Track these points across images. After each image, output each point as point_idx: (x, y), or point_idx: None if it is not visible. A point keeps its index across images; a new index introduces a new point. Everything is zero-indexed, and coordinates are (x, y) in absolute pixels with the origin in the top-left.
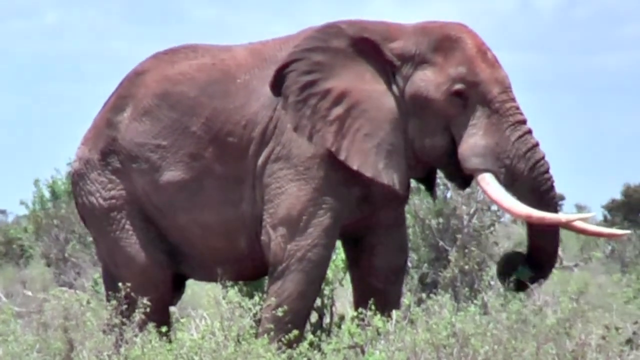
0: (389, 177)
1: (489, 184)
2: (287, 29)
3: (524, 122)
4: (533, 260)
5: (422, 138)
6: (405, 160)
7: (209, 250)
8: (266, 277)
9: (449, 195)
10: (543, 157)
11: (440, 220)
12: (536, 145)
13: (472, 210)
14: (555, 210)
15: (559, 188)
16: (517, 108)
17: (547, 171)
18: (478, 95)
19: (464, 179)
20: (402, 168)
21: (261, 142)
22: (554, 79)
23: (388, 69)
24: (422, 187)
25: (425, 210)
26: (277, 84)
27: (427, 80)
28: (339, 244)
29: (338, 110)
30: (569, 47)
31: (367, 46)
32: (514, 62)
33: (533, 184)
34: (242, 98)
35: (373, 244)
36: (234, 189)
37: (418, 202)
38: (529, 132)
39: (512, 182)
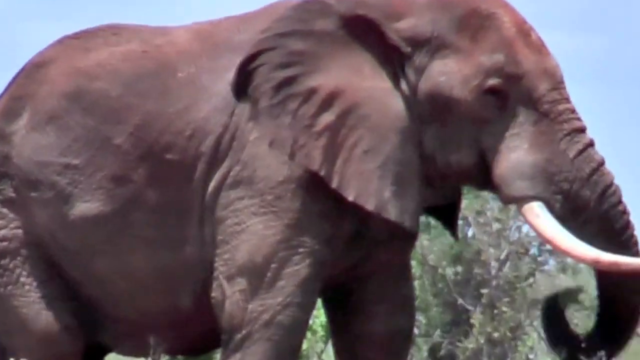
0: (398, 211)
1: (539, 216)
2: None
3: (582, 130)
4: (603, 324)
5: (444, 153)
6: (421, 185)
7: (138, 310)
8: (218, 350)
9: (470, 232)
10: (613, 181)
11: (459, 268)
12: (602, 163)
13: (503, 255)
14: (636, 253)
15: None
16: (573, 111)
17: (620, 201)
18: (521, 93)
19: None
20: (416, 196)
21: (213, 160)
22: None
23: (394, 59)
24: (434, 220)
25: (437, 255)
26: (242, 83)
27: (450, 73)
28: (319, 303)
29: (327, 118)
30: None
31: (364, 27)
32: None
33: (603, 219)
34: (185, 98)
35: (367, 301)
36: (174, 225)
37: (427, 243)
38: (591, 144)
39: (571, 215)
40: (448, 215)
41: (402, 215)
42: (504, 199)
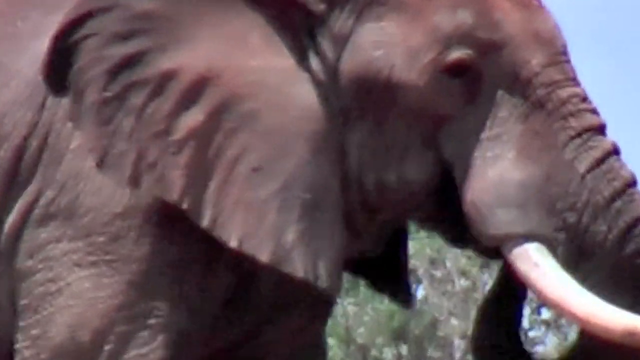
0: (308, 263)
1: (539, 265)
2: None
3: (599, 128)
4: None
5: (378, 168)
6: (343, 219)
7: None
8: None
9: (420, 293)
10: None
11: (403, 349)
12: (632, 183)
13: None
14: None
15: None
16: (584, 98)
17: None
18: (501, 71)
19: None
20: (335, 240)
21: (10, 180)
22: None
23: (300, 22)
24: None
25: (369, 328)
26: (58, 63)
27: (389, 44)
28: None
29: (192, 118)
30: None
31: None
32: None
33: (621, 268)
34: None
35: None
36: None
37: (354, 310)
38: (614, 151)
39: (576, 259)
40: (388, 270)
41: (315, 270)
42: (481, 239)
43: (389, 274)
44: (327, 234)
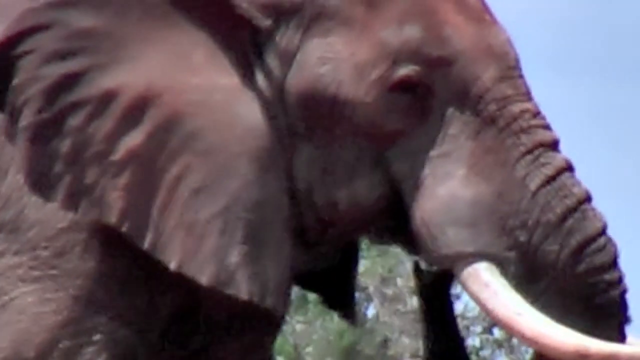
0: (253, 284)
1: (489, 285)
2: None
3: (552, 144)
4: None
5: (328, 187)
6: (290, 240)
7: None
8: None
9: (371, 311)
10: (601, 231)
11: None
12: (584, 200)
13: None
14: (622, 338)
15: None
16: (536, 114)
17: (610, 266)
18: (451, 87)
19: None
20: (282, 259)
21: None
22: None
23: (245, 38)
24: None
25: (318, 348)
26: None
27: (336, 60)
28: None
29: (133, 139)
30: None
31: None
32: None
33: (574, 288)
34: None
35: None
36: None
37: (302, 329)
38: (568, 168)
39: (527, 279)
40: (337, 287)
41: (261, 291)
42: (430, 259)
43: (338, 290)
44: (273, 253)
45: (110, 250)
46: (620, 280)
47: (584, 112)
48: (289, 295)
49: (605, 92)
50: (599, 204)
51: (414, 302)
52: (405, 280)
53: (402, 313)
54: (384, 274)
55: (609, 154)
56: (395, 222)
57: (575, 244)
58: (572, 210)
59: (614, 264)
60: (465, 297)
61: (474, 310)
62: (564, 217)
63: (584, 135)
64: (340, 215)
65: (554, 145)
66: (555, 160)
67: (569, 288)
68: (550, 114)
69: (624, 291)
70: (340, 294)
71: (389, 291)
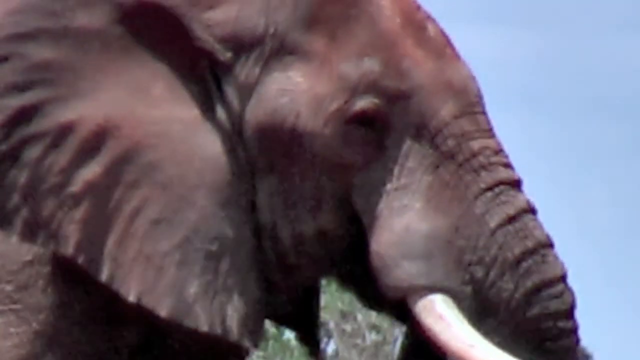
0: (212, 316)
1: (443, 318)
2: None
3: (514, 183)
4: None
5: (295, 219)
6: (257, 273)
7: None
8: None
9: (330, 347)
10: (559, 277)
11: None
12: (545, 245)
13: None
14: None
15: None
16: (498, 151)
17: (564, 313)
18: (409, 120)
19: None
20: (247, 292)
21: None
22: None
23: (205, 70)
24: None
25: None
26: None
27: (295, 93)
28: None
29: (91, 171)
30: None
31: (156, 22)
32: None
33: (525, 331)
34: None
35: None
36: None
37: None
38: (529, 210)
39: (480, 315)
40: (304, 322)
41: (223, 324)
42: (385, 292)
43: (300, 327)
44: (236, 285)
45: (74, 285)
46: (574, 330)
47: (542, 149)
48: (260, 328)
49: (566, 128)
50: (558, 244)
51: (373, 337)
52: (365, 316)
53: (362, 348)
54: (344, 309)
55: (570, 189)
56: (355, 266)
57: (530, 285)
58: (531, 252)
59: (569, 313)
60: None
61: None
62: (522, 258)
63: (545, 171)
64: (307, 253)
65: (515, 184)
66: (517, 200)
67: (520, 329)
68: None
69: (577, 341)
70: (305, 331)
71: (348, 327)
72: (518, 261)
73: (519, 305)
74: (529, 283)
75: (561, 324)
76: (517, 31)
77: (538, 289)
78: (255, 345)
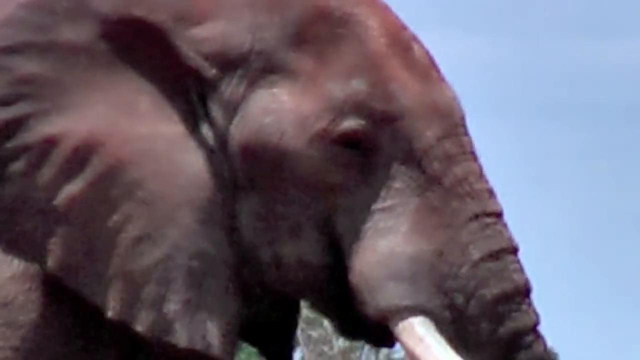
0: (193, 332)
1: (423, 340)
2: None
3: (498, 214)
4: None
5: (275, 241)
6: (237, 290)
7: None
8: None
9: (298, 355)
10: (530, 328)
11: None
12: (523, 292)
13: None
14: None
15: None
16: (480, 175)
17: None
18: (396, 142)
19: (368, 327)
20: (227, 309)
21: None
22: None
23: (190, 87)
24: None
25: None
26: None
27: (280, 112)
28: None
29: (75, 187)
30: None
31: (141, 38)
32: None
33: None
34: None
35: None
36: None
37: None
38: (512, 250)
39: (463, 344)
40: (275, 340)
41: (204, 340)
42: (368, 313)
43: (277, 342)
44: (217, 302)
45: (53, 301)
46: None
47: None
48: (234, 345)
49: (527, 133)
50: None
51: (340, 344)
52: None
53: (329, 356)
54: (310, 316)
55: (536, 194)
56: (335, 293)
57: (505, 336)
58: (508, 297)
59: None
60: None
61: (400, 351)
62: (498, 301)
63: (505, 176)
64: (286, 276)
65: (500, 216)
66: (502, 237)
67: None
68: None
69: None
70: (278, 347)
71: (315, 333)
72: (495, 303)
73: (494, 353)
74: (502, 332)
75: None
76: (469, 37)
77: (513, 339)
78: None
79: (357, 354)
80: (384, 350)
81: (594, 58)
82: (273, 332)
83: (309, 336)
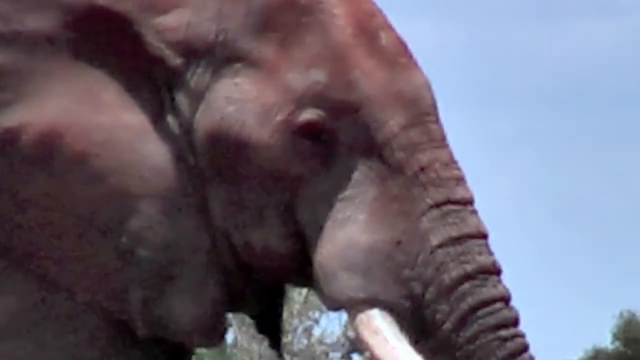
0: (154, 321)
1: (379, 333)
2: None
3: (465, 202)
4: None
5: (243, 229)
6: (214, 273)
7: None
8: None
9: (230, 336)
10: (499, 298)
11: None
12: (489, 271)
13: None
14: None
15: None
16: (449, 163)
17: (507, 323)
18: (356, 133)
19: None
20: (203, 294)
21: None
22: None
23: (155, 77)
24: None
25: None
26: None
27: (242, 101)
28: None
29: (36, 180)
30: None
31: (106, 27)
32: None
33: (472, 352)
34: None
35: None
36: None
37: None
38: (479, 235)
39: (424, 336)
40: (270, 320)
41: (167, 327)
42: (326, 304)
43: (263, 328)
44: (190, 288)
45: (27, 290)
46: (520, 335)
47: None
48: (221, 326)
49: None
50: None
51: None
52: None
53: (262, 338)
54: None
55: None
56: (304, 270)
57: (465, 307)
58: (469, 277)
59: (513, 323)
60: (323, 322)
61: (332, 335)
62: (459, 282)
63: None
64: (258, 259)
65: (467, 203)
66: (465, 224)
67: (462, 354)
68: None
69: (526, 347)
70: (268, 323)
71: (247, 316)
72: (455, 285)
73: (454, 328)
74: (464, 306)
75: (504, 332)
76: (441, 23)
77: (473, 310)
78: (215, 344)
79: (289, 336)
80: (317, 333)
81: (543, 42)
82: (261, 324)
83: (242, 319)
